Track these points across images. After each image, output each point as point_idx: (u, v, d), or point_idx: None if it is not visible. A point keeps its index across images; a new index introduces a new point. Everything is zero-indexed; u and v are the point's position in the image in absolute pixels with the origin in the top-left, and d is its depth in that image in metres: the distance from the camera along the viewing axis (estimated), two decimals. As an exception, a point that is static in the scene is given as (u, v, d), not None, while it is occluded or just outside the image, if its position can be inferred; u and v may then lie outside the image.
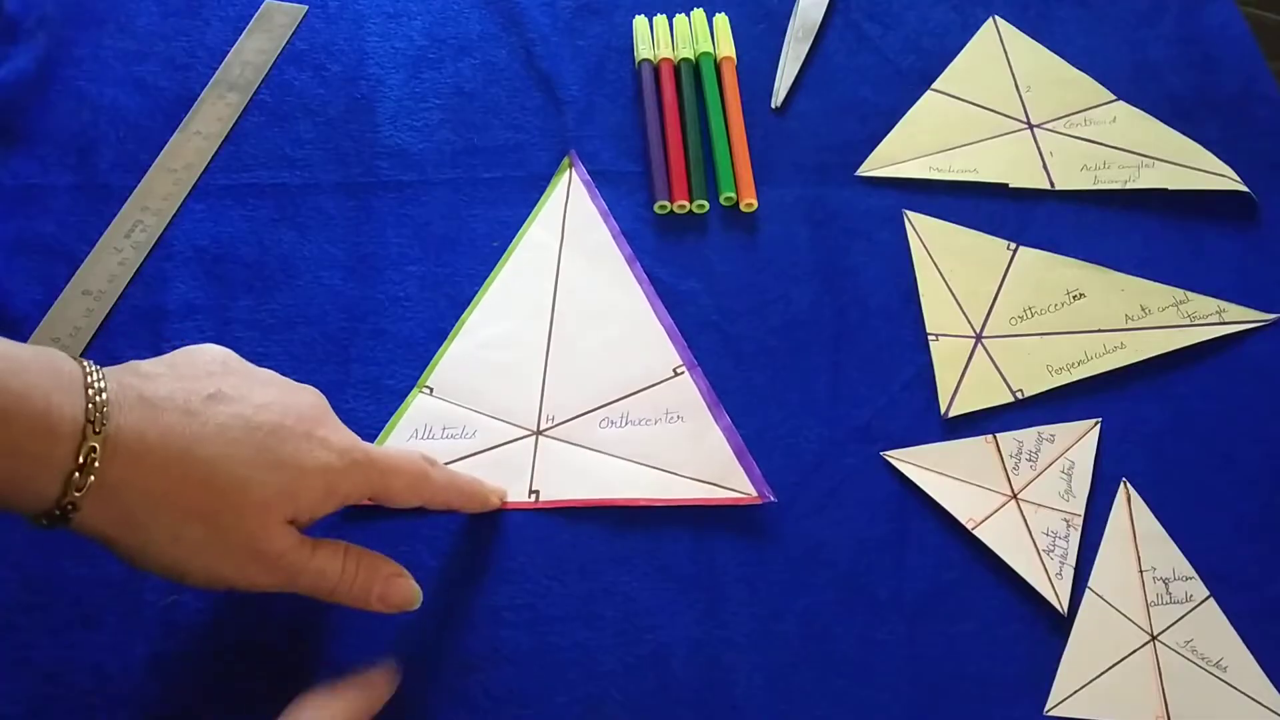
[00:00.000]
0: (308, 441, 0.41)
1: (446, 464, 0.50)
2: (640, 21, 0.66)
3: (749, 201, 0.59)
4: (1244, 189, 0.59)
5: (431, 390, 0.53)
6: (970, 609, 0.48)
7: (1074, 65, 0.65)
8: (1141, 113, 0.63)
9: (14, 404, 0.36)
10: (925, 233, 0.59)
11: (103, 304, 0.55)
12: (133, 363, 0.41)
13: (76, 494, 0.37)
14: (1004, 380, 0.54)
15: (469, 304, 0.56)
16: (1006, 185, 0.61)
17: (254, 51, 0.65)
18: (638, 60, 0.65)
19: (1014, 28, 0.67)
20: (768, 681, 0.46)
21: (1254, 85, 0.64)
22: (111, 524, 0.38)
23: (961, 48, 0.66)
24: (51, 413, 0.36)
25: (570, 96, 0.64)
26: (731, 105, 0.63)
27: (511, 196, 0.60)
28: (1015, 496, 0.51)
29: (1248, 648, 0.47)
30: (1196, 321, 0.55)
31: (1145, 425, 0.53)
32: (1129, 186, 0.60)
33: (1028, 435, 0.52)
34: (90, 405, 0.37)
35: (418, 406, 0.53)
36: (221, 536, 0.40)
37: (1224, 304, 0.56)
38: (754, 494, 0.50)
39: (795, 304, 0.57)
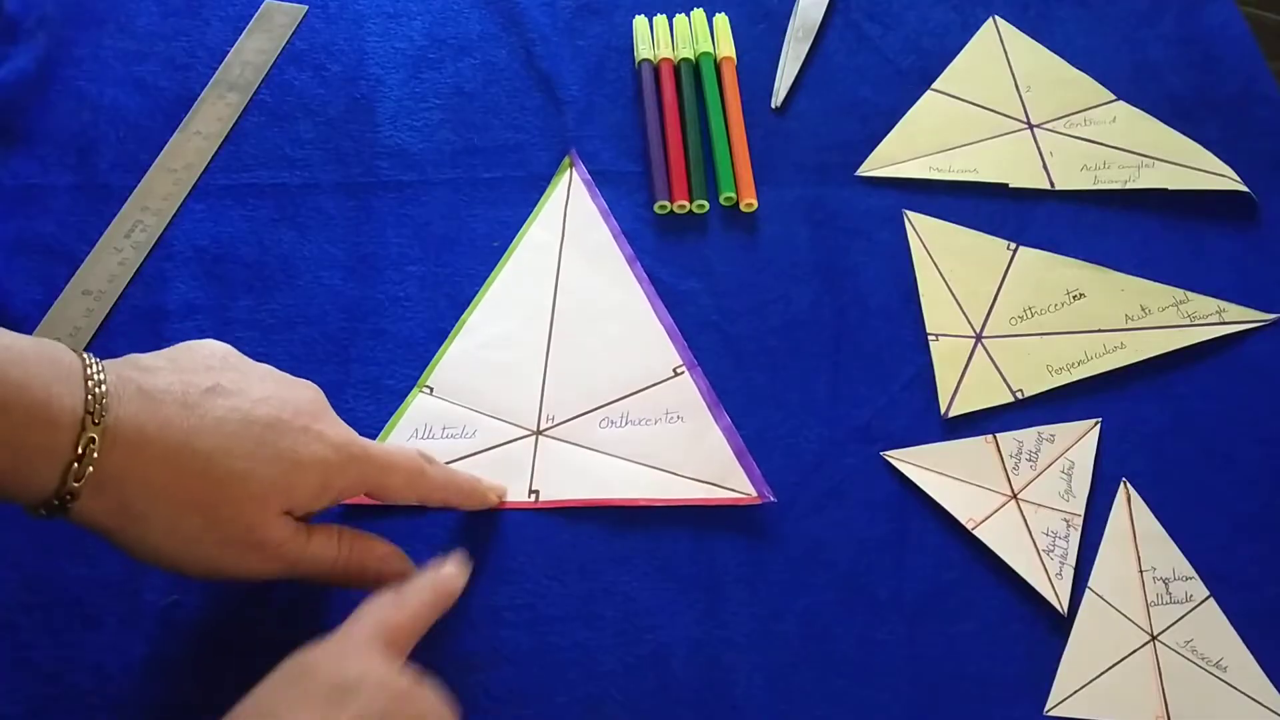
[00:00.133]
0: (305, 435, 0.41)
1: (446, 464, 0.51)
2: (640, 21, 0.66)
3: (749, 201, 0.59)
4: (1244, 189, 0.59)
5: (431, 390, 0.53)
6: (970, 609, 0.48)
7: (1074, 65, 0.65)
8: (1141, 113, 0.63)
9: (14, 394, 0.36)
10: (925, 233, 0.59)
11: (103, 304, 0.55)
12: (132, 356, 0.41)
13: (75, 484, 0.37)
14: (1004, 380, 0.54)
15: (469, 304, 0.56)
16: (1006, 185, 0.61)
17: (254, 51, 0.65)
18: (638, 60, 0.65)
19: (1014, 28, 0.67)
20: (768, 681, 0.46)
21: (1254, 85, 0.64)
22: (109, 515, 0.38)
23: (961, 48, 0.66)
24: (51, 403, 0.37)
25: (570, 96, 0.64)
26: (731, 105, 0.63)
27: (511, 196, 0.60)
28: (1015, 496, 0.51)
29: (1248, 648, 0.47)
30: (1196, 321, 0.55)
31: (1145, 425, 0.53)
32: (1129, 186, 0.60)
33: (1028, 435, 0.52)
34: (89, 397, 0.37)
35: (418, 406, 0.53)
36: (219, 528, 0.40)
37: (1224, 304, 0.56)
38: (754, 494, 0.50)
39: (795, 304, 0.57)
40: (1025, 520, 0.50)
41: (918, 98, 0.64)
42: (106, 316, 0.55)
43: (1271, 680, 0.46)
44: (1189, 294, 0.56)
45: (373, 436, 0.52)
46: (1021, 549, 0.49)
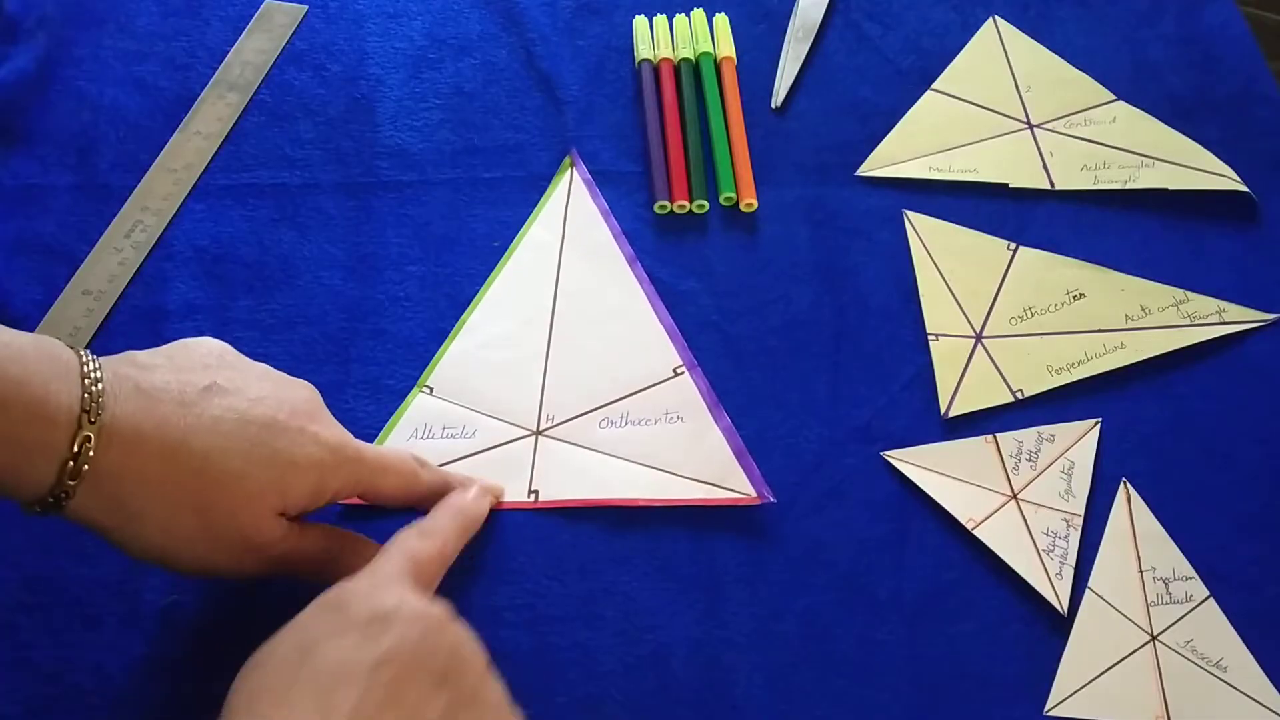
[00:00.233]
0: (301, 437, 0.41)
1: (446, 464, 0.51)
2: (640, 21, 0.66)
3: (749, 201, 0.59)
4: (1244, 189, 0.59)
5: (431, 390, 0.53)
6: (970, 609, 0.48)
7: (1074, 65, 0.65)
8: (1141, 113, 0.63)
9: (12, 391, 0.36)
10: (925, 233, 0.59)
11: (103, 304, 0.55)
12: (129, 353, 0.41)
13: (70, 482, 0.37)
14: (1004, 380, 0.54)
15: (469, 304, 0.56)
16: (1006, 185, 0.61)
17: (254, 51, 0.65)
18: (638, 60, 0.65)
19: (1014, 28, 0.67)
20: (768, 681, 0.46)
21: (1254, 85, 0.64)
22: (104, 512, 0.39)
23: (961, 48, 0.66)
24: (49, 400, 0.37)
25: (570, 96, 0.64)
26: (731, 105, 0.63)
27: (511, 196, 0.60)
28: (1015, 496, 0.51)
29: (1248, 648, 0.47)
30: (1196, 321, 0.55)
31: (1145, 425, 0.53)
32: (1129, 186, 0.60)
33: (1028, 435, 0.52)
34: (86, 395, 0.37)
35: (418, 406, 0.53)
36: (213, 527, 0.40)
37: (1224, 304, 0.56)
38: (753, 495, 0.50)
39: (795, 304, 0.57)
40: (1025, 520, 0.50)
41: (918, 98, 0.64)
42: (106, 316, 0.55)
43: (1271, 680, 0.46)
44: (1189, 294, 0.56)
45: (373, 436, 0.52)
46: (1021, 549, 0.49)
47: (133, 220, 0.58)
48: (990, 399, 0.53)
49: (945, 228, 0.59)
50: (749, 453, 0.51)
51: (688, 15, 0.67)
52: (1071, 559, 0.49)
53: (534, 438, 0.52)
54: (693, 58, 0.65)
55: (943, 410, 0.53)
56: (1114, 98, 0.64)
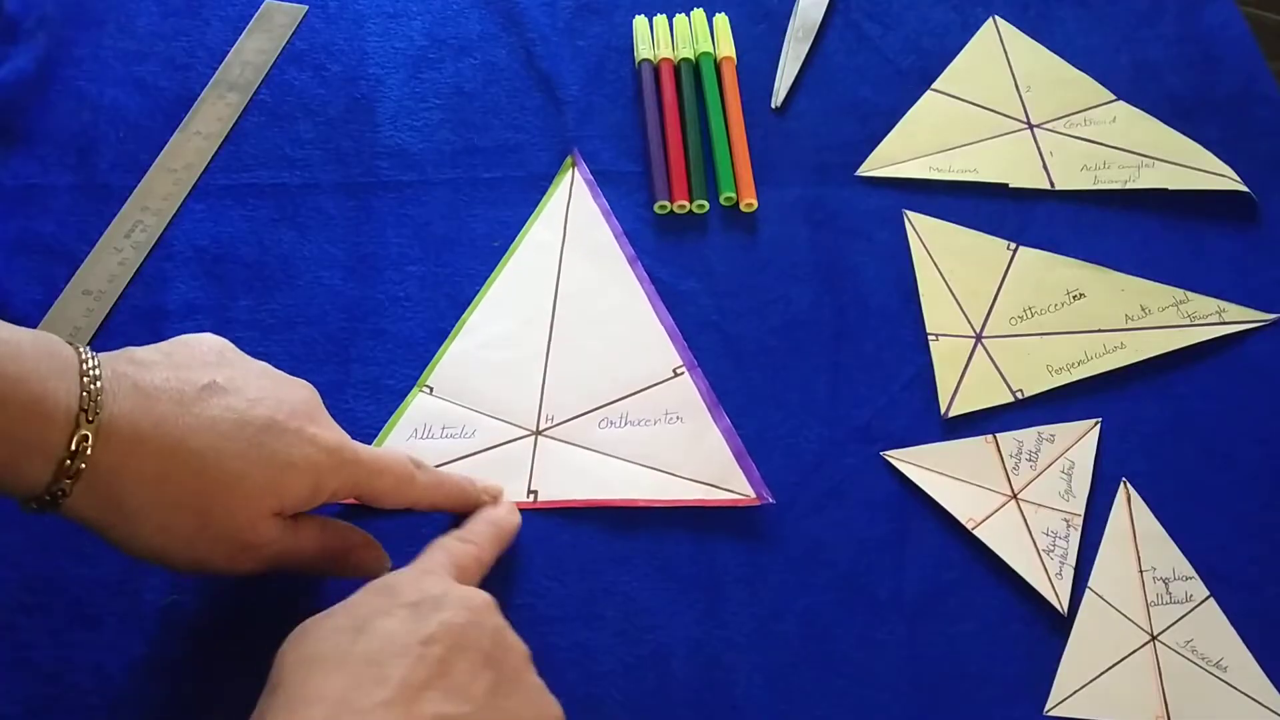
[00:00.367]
0: (299, 438, 0.41)
1: (446, 464, 0.51)
2: (640, 21, 0.66)
3: (749, 201, 0.59)
4: (1244, 189, 0.59)
5: (431, 390, 0.53)
6: (970, 609, 0.48)
7: (1074, 65, 0.65)
8: (1141, 113, 0.63)
9: (10, 388, 0.36)
10: (925, 233, 0.59)
11: (103, 304, 0.55)
12: (129, 349, 0.41)
13: (67, 481, 0.37)
14: (1004, 380, 0.54)
15: (469, 304, 0.56)
16: (1006, 185, 0.61)
17: (254, 51, 0.65)
18: (638, 60, 0.65)
19: (1014, 28, 0.67)
20: (768, 681, 0.46)
21: (1254, 85, 0.64)
22: (100, 511, 0.39)
23: (961, 48, 0.66)
24: (47, 399, 0.37)
25: (570, 96, 0.64)
26: (731, 105, 0.63)
27: (511, 196, 0.60)
28: (1015, 496, 0.51)
29: (1248, 648, 0.47)
30: (1196, 321, 0.55)
31: (1145, 425, 0.53)
32: (1129, 186, 0.60)
33: (1028, 435, 0.52)
34: (85, 393, 0.37)
35: (417, 406, 0.53)
36: (210, 527, 0.40)
37: (1224, 304, 0.56)
38: (753, 496, 0.50)
39: (795, 304, 0.57)
40: (1025, 520, 0.50)
41: (918, 98, 0.64)
42: (106, 316, 0.55)
43: (1271, 680, 0.46)
44: (1189, 294, 0.56)
45: (372, 436, 0.52)
46: (1021, 549, 0.49)
47: (133, 220, 0.58)
48: (990, 399, 0.53)
49: (945, 228, 0.59)
50: (749, 453, 0.51)
51: (688, 15, 0.67)
52: (1071, 559, 0.49)
53: (534, 438, 0.52)
54: (693, 58, 0.65)
55: (943, 410, 0.53)
56: (1114, 98, 0.64)
